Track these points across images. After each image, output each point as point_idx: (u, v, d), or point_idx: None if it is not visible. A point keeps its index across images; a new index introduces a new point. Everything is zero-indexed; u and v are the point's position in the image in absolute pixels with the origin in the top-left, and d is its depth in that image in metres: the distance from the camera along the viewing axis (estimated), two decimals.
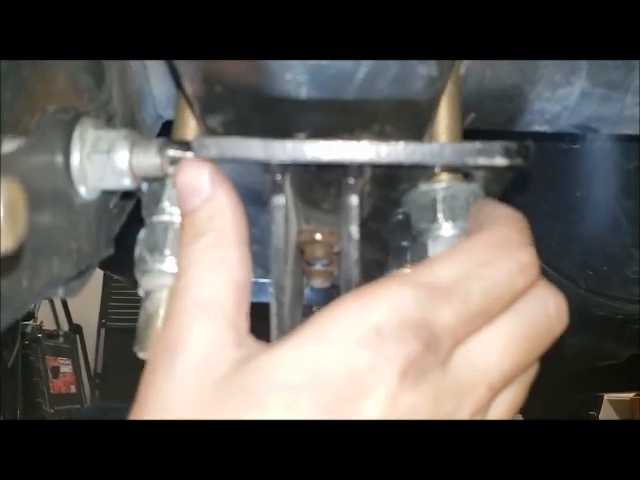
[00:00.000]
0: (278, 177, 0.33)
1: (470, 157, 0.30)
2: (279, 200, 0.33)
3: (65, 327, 2.84)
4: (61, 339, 2.72)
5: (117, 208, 0.39)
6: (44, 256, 0.28)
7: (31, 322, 2.54)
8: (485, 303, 0.28)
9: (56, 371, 2.59)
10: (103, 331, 2.97)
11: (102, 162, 0.31)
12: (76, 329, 2.85)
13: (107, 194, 0.36)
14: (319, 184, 0.36)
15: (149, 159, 0.31)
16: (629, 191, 0.73)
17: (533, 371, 0.32)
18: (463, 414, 0.27)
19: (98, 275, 3.03)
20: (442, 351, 0.27)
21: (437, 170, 0.34)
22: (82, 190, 0.31)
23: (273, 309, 0.34)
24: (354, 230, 0.33)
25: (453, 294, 0.27)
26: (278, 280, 0.34)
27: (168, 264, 0.34)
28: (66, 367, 2.67)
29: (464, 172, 0.35)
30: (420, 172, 0.34)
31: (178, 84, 0.35)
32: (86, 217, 0.32)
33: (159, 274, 0.34)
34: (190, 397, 0.27)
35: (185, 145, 0.33)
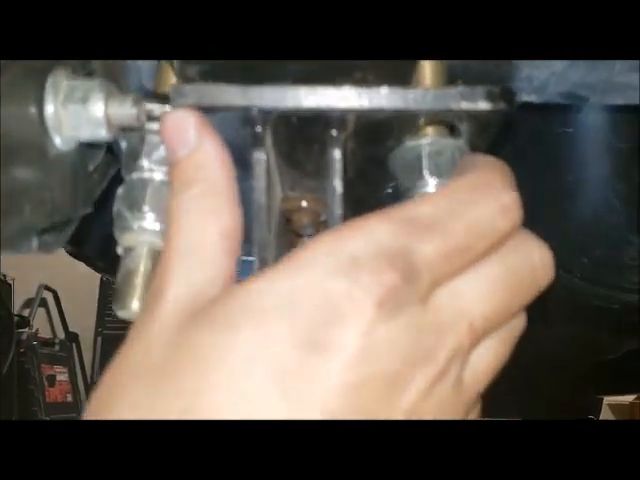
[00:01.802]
0: (258, 129, 0.32)
1: (453, 102, 0.30)
2: (260, 154, 0.33)
3: (61, 335, 2.83)
4: (57, 347, 2.70)
5: (98, 173, 0.39)
6: (15, 201, 0.27)
7: (26, 330, 2.52)
8: (466, 240, 0.27)
9: (52, 379, 2.57)
10: (100, 339, 2.96)
11: (77, 111, 0.30)
12: (72, 337, 2.84)
13: (85, 152, 0.36)
14: (302, 141, 0.35)
15: (125, 109, 0.31)
16: (622, 173, 0.73)
17: (517, 326, 0.31)
18: (442, 353, 0.26)
19: (95, 283, 3.02)
20: (421, 285, 0.26)
21: (421, 122, 0.33)
22: (57, 140, 0.31)
23: (256, 268, 0.33)
24: (338, 184, 0.33)
25: (433, 228, 0.27)
26: (261, 238, 0.33)
27: (148, 221, 0.33)
28: (62, 375, 2.65)
29: (449, 125, 0.35)
30: (404, 124, 0.33)
31: None
32: (61, 168, 0.31)
33: (138, 231, 0.33)
34: (168, 339, 0.26)
35: (163, 98, 0.32)
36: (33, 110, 0.30)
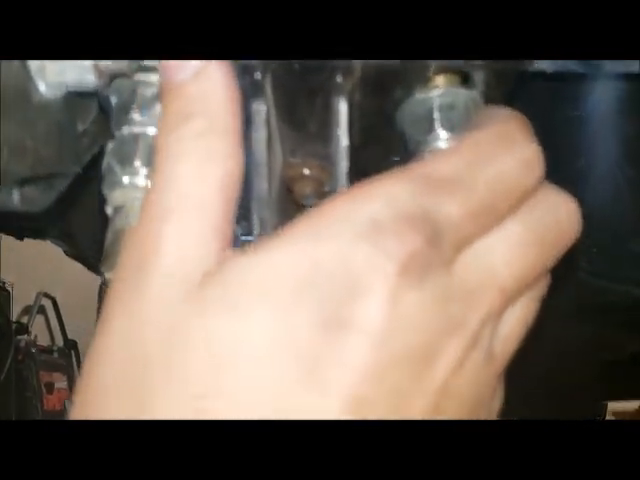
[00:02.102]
0: (258, 75, 0.30)
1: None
2: (259, 105, 0.31)
3: (60, 342, 2.80)
4: (56, 354, 2.67)
5: (88, 137, 0.37)
6: None
7: (25, 337, 2.50)
8: (490, 197, 0.25)
9: (50, 387, 2.54)
10: None
11: None
12: (71, 345, 2.81)
13: (74, 110, 0.33)
14: (304, 93, 0.33)
15: None
16: (632, 158, 0.70)
17: (543, 286, 0.29)
18: (474, 320, 0.24)
19: (94, 290, 2.99)
20: (446, 248, 0.24)
21: (432, 70, 0.31)
22: (41, 86, 0.29)
23: (256, 229, 0.31)
24: (343, 136, 0.31)
25: (455, 186, 0.25)
26: (261, 195, 0.31)
27: (140, 176, 0.31)
28: (61, 383, 2.62)
29: (462, 74, 0.32)
30: (414, 71, 0.31)
31: None
32: (46, 118, 0.29)
33: (130, 187, 0.31)
34: (161, 317, 0.23)
35: None
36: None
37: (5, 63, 0.27)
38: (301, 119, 0.35)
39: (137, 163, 0.31)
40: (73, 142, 0.33)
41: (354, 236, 0.23)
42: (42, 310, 2.75)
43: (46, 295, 2.71)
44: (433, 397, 0.23)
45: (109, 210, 0.31)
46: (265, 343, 0.22)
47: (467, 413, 0.25)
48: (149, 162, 0.31)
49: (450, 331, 0.23)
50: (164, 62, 0.27)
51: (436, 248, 0.24)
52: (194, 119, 0.25)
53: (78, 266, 1.08)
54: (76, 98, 0.34)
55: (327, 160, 0.40)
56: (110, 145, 0.31)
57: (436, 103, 0.33)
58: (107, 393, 0.23)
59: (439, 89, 0.33)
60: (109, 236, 0.30)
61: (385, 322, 0.22)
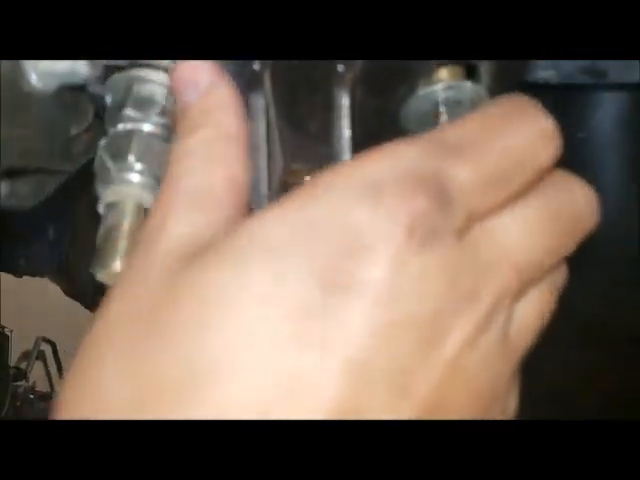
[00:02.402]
0: (256, 66, 0.29)
1: None
2: (258, 97, 0.30)
3: (59, 389, 2.75)
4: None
5: (82, 142, 0.36)
6: None
7: (23, 383, 2.45)
8: (503, 166, 0.24)
9: None
10: None
11: None
12: None
13: (68, 111, 0.32)
14: (305, 87, 0.32)
15: None
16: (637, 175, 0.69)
17: (559, 278, 0.27)
18: (486, 295, 0.22)
19: None
20: (456, 214, 0.22)
21: (435, 65, 0.30)
22: (32, 76, 0.28)
23: None
24: (345, 129, 0.29)
25: (466, 151, 0.23)
26: (260, 192, 0.30)
27: (134, 172, 0.30)
28: None
29: (467, 65, 0.31)
30: (417, 64, 0.30)
31: None
32: (37, 110, 0.28)
33: (123, 183, 0.29)
34: (164, 280, 0.22)
35: None
36: None
37: None
38: (302, 116, 0.34)
39: (131, 158, 0.30)
40: (65, 142, 0.32)
41: (352, 196, 0.22)
42: (41, 355, 2.71)
43: (45, 340, 2.67)
44: (439, 373, 0.21)
45: (101, 208, 0.30)
46: (258, 296, 0.21)
47: (477, 403, 0.23)
48: (143, 158, 0.30)
49: (461, 304, 0.22)
50: (176, 84, 0.28)
51: (444, 212, 0.22)
52: (200, 129, 0.26)
53: (78, 309, 1.07)
54: (70, 100, 0.33)
55: (329, 163, 0.39)
56: (103, 142, 0.30)
57: (441, 97, 0.32)
58: (102, 353, 0.22)
59: (443, 83, 0.32)
60: (101, 234, 0.29)
61: (388, 284, 0.21)
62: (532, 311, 0.25)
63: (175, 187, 0.25)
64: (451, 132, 0.24)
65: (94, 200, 0.31)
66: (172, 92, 0.28)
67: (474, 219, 0.23)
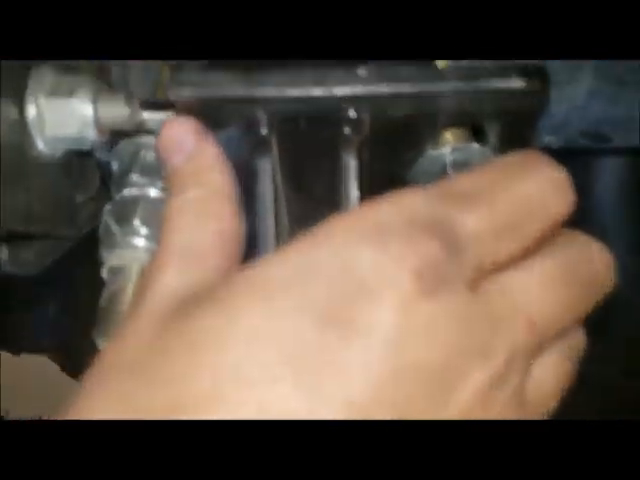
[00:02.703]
0: (264, 131, 0.29)
1: (483, 79, 0.27)
2: (265, 162, 0.29)
3: None
4: None
5: (87, 210, 0.35)
6: None
7: None
8: (515, 214, 0.23)
9: None
10: None
11: (62, 105, 0.27)
12: None
13: (74, 178, 0.32)
14: (311, 151, 0.32)
15: (117, 108, 0.28)
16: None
17: (578, 343, 0.26)
18: (501, 348, 0.21)
19: None
20: (466, 262, 0.21)
21: (442, 123, 0.30)
22: (39, 142, 0.28)
23: None
24: (353, 187, 0.29)
25: (476, 198, 0.22)
26: (267, 252, 0.29)
27: (139, 236, 0.29)
28: None
29: (473, 127, 0.31)
30: (424, 126, 0.30)
31: None
32: (42, 176, 0.28)
33: (129, 247, 0.29)
34: (157, 327, 0.22)
35: (159, 106, 0.29)
36: (13, 107, 0.26)
37: (2, 114, 0.26)
38: (308, 181, 0.34)
39: (136, 222, 0.29)
40: (70, 208, 0.31)
41: (356, 239, 0.21)
42: None
43: None
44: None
45: (105, 273, 0.29)
46: (250, 336, 0.20)
47: None
48: (148, 222, 0.30)
49: (472, 357, 0.20)
50: (163, 147, 0.28)
51: (454, 259, 0.21)
52: (193, 187, 0.26)
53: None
54: (76, 167, 0.33)
55: None
56: (108, 206, 0.30)
57: (449, 159, 0.32)
58: (94, 394, 0.21)
59: (450, 145, 0.32)
60: (104, 298, 0.28)
61: (394, 329, 0.19)
62: (550, 375, 0.24)
63: (167, 243, 0.25)
64: (460, 181, 0.23)
65: (97, 271, 0.31)
66: (159, 154, 0.28)
67: (485, 270, 0.22)
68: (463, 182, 0.23)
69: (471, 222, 0.22)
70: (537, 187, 0.23)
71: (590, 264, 0.25)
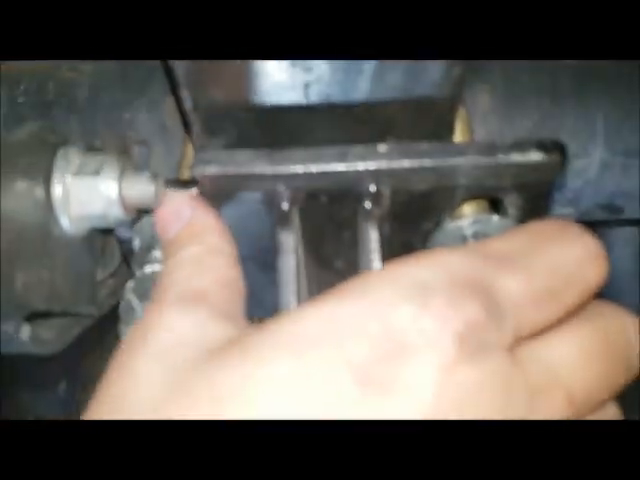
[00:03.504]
0: (285, 206, 0.29)
1: (502, 154, 0.27)
2: (287, 235, 0.29)
3: None
4: None
5: (107, 287, 0.35)
6: (7, 264, 0.23)
7: None
8: (553, 282, 0.22)
9: None
10: None
11: (88, 184, 0.28)
12: None
13: (95, 256, 0.32)
14: (331, 226, 0.32)
15: (141, 186, 0.28)
16: None
17: (612, 416, 0.25)
18: (540, 418, 0.20)
19: None
20: (507, 327, 0.21)
21: (461, 196, 0.30)
22: (64, 221, 0.28)
23: None
24: (376, 259, 0.29)
25: (515, 264, 0.22)
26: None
27: None
28: None
29: (492, 200, 0.32)
30: (443, 199, 0.30)
31: (181, 110, 0.33)
32: (65, 254, 0.28)
33: None
34: (166, 380, 0.21)
35: (184, 184, 0.30)
36: (40, 186, 0.27)
37: (29, 193, 0.26)
38: (329, 254, 0.34)
39: None
40: (91, 286, 0.31)
41: (396, 295, 0.20)
42: None
43: None
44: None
45: None
46: (288, 393, 0.19)
47: None
48: None
49: None
50: (160, 219, 0.28)
51: (496, 324, 0.20)
52: (190, 246, 0.27)
53: None
54: (98, 245, 0.33)
55: None
56: (130, 284, 0.30)
57: (469, 232, 0.32)
58: None
59: (469, 217, 0.32)
60: None
61: (435, 391, 0.19)
62: None
63: (168, 294, 0.25)
64: (498, 242, 0.23)
65: (108, 354, 0.30)
66: (157, 228, 0.29)
67: (524, 336, 0.22)
68: (501, 244, 0.23)
69: (511, 286, 0.21)
70: (574, 255, 0.23)
71: (625, 334, 0.24)
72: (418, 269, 0.21)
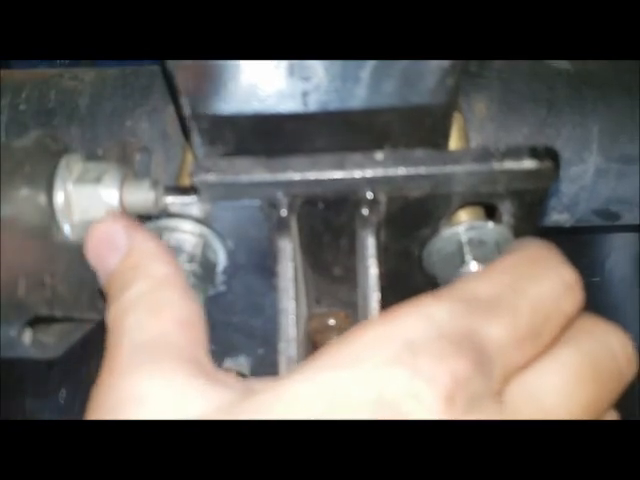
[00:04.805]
0: (284, 212, 0.30)
1: (495, 161, 0.28)
2: (285, 241, 0.30)
3: None
4: None
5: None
6: (10, 268, 0.24)
7: None
8: (534, 321, 0.23)
9: None
10: None
11: (89, 191, 0.28)
12: None
13: None
14: (329, 233, 0.32)
15: (142, 192, 0.29)
16: None
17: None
18: None
19: None
20: (495, 375, 0.22)
21: (457, 202, 0.31)
22: (65, 227, 0.28)
23: (282, 367, 0.28)
24: (372, 267, 0.29)
25: (498, 308, 0.23)
26: (288, 333, 0.29)
27: None
28: None
29: (487, 207, 0.32)
30: (439, 205, 0.31)
31: (181, 118, 0.34)
32: (66, 258, 0.28)
33: None
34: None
35: (184, 191, 0.30)
36: (42, 193, 0.27)
37: (32, 200, 0.26)
38: (326, 261, 0.34)
39: None
40: (92, 292, 0.32)
41: (386, 360, 0.21)
42: None
43: None
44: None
45: None
46: None
47: None
48: None
49: None
50: (93, 252, 0.27)
51: (484, 375, 0.21)
52: (133, 284, 0.25)
53: None
54: None
55: (352, 308, 0.39)
56: None
57: (464, 238, 0.32)
58: None
59: (465, 224, 0.32)
60: None
61: None
62: None
63: (126, 346, 0.23)
64: (478, 287, 0.24)
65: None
66: (89, 258, 0.27)
67: (510, 375, 0.23)
68: (482, 287, 0.24)
69: (497, 334, 0.22)
70: (551, 289, 0.24)
71: (612, 355, 0.25)
72: (406, 326, 0.22)
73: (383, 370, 0.20)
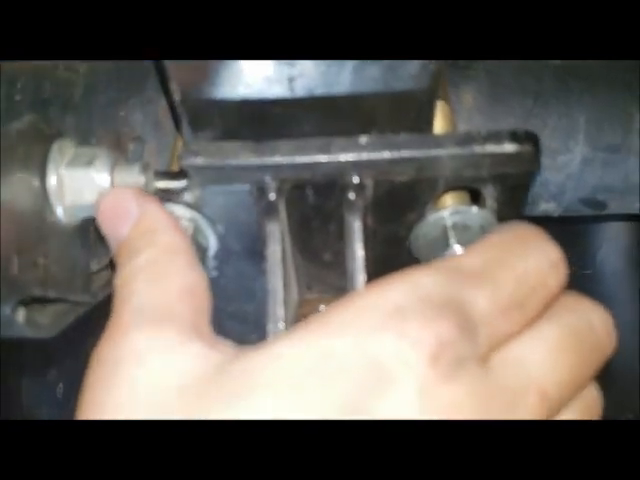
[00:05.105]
0: (272, 197, 0.30)
1: (477, 145, 0.28)
2: (274, 225, 0.31)
3: None
4: None
5: (101, 278, 0.36)
6: (4, 248, 0.24)
7: None
8: (518, 294, 0.24)
9: None
10: None
11: (81, 175, 0.29)
12: None
13: (88, 246, 0.33)
14: (318, 218, 0.33)
15: (132, 176, 0.29)
16: None
17: (593, 399, 0.27)
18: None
19: None
20: (479, 341, 0.22)
21: (442, 186, 0.31)
22: (58, 210, 0.29)
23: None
24: (359, 249, 0.30)
25: (483, 279, 0.24)
26: (277, 316, 0.30)
27: None
28: None
29: (472, 191, 0.33)
30: (425, 189, 0.31)
31: (171, 104, 0.35)
32: (59, 240, 0.29)
33: None
34: (138, 405, 0.21)
35: (175, 175, 0.31)
36: (35, 176, 0.28)
37: (26, 182, 0.27)
38: (316, 246, 0.35)
39: None
40: (85, 276, 0.32)
41: (374, 325, 0.21)
42: None
43: None
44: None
45: None
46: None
47: None
48: None
49: None
50: (105, 220, 0.27)
51: (469, 339, 0.22)
52: (142, 251, 0.26)
53: None
54: (92, 238, 0.34)
55: (343, 294, 0.39)
56: None
57: (449, 222, 0.33)
58: None
59: (450, 208, 0.33)
60: None
61: (416, 414, 0.20)
62: None
63: (128, 311, 0.24)
64: (466, 259, 0.25)
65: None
66: (101, 225, 0.27)
67: (495, 344, 0.23)
68: (469, 260, 0.25)
69: (481, 300, 0.23)
70: (536, 264, 0.25)
71: (592, 330, 0.26)
72: (393, 293, 0.22)
73: (371, 335, 0.21)
